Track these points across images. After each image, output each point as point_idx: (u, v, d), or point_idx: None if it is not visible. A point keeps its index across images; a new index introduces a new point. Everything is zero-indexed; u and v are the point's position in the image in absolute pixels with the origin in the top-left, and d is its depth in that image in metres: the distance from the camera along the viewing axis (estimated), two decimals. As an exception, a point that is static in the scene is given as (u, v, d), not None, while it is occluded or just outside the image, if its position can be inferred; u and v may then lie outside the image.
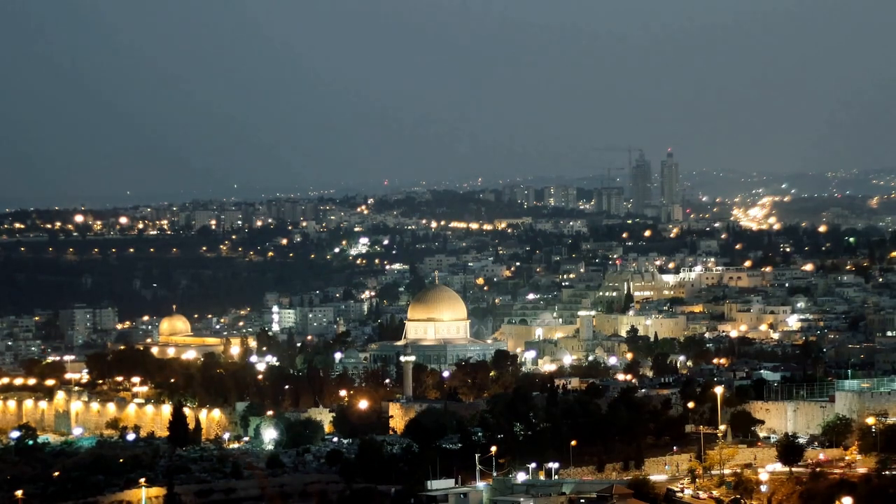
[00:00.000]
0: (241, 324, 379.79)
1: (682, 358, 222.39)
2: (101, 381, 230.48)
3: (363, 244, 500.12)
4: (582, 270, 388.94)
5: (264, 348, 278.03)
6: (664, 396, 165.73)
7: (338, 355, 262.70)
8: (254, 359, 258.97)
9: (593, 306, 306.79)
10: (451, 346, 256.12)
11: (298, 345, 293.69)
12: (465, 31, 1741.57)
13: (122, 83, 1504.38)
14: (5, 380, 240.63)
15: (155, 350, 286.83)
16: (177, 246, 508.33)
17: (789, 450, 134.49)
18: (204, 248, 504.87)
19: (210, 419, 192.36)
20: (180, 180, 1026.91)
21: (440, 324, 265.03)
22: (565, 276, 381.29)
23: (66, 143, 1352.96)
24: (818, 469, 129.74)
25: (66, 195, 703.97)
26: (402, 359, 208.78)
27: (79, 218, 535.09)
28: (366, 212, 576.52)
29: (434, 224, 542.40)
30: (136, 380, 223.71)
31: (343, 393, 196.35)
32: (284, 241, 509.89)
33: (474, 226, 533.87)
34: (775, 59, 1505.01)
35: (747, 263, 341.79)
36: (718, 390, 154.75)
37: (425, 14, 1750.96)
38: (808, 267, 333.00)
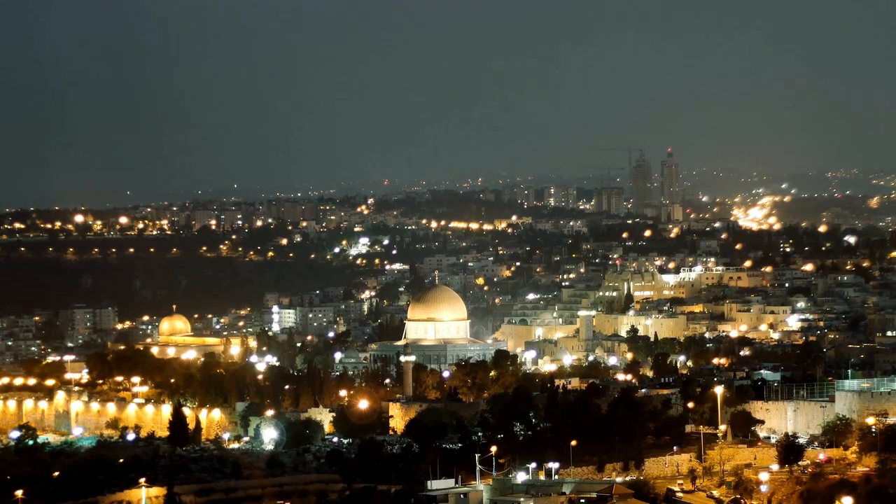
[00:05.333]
0: (241, 324, 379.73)
1: (682, 358, 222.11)
2: (101, 381, 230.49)
3: (363, 244, 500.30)
4: (582, 270, 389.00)
5: (264, 348, 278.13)
6: (664, 396, 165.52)
7: (338, 355, 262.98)
8: (254, 359, 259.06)
9: (593, 306, 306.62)
10: (451, 346, 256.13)
11: (298, 345, 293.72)
12: (463, 30, 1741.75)
13: (121, 83, 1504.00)
14: (5, 380, 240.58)
15: (155, 350, 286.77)
16: (177, 246, 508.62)
17: (789, 450, 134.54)
18: (204, 248, 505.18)
19: (210, 419, 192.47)
20: (180, 180, 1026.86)
21: (440, 324, 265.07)
22: (565, 276, 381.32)
23: (66, 143, 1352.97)
24: (818, 469, 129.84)
25: (66, 195, 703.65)
26: (402, 359, 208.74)
27: (79, 218, 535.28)
28: (366, 212, 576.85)
29: (434, 224, 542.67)
30: (136, 380, 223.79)
31: (343, 393, 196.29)
32: (284, 241, 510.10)
33: (474, 226, 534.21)
34: (776, 59, 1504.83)
35: (747, 263, 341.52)
36: (718, 390, 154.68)
37: (423, 14, 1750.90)
38: (808, 267, 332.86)
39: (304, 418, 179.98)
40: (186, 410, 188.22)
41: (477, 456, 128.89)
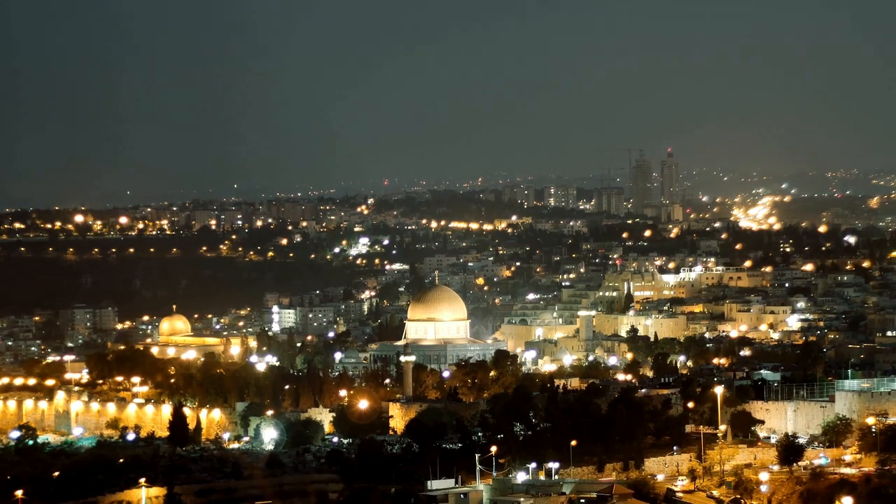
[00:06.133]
0: (241, 324, 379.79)
1: (682, 358, 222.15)
2: (101, 381, 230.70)
3: (363, 244, 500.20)
4: (582, 270, 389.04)
5: (264, 348, 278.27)
6: (664, 396, 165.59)
7: (338, 355, 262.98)
8: (254, 359, 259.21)
9: (593, 306, 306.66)
10: (451, 346, 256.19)
11: (298, 345, 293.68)
12: (464, 30, 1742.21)
13: (121, 83, 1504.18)
14: (5, 380, 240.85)
15: (155, 350, 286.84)
16: (177, 246, 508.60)
17: (789, 450, 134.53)
18: (204, 248, 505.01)
19: (210, 419, 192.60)
20: (180, 180, 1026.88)
21: (440, 324, 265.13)
22: (565, 276, 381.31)
23: (66, 142, 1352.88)
24: (818, 469, 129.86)
25: (66, 195, 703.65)
26: (402, 359, 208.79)
27: (79, 218, 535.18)
28: (366, 212, 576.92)
29: (434, 224, 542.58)
30: (136, 380, 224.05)
31: (343, 393, 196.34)
32: (284, 241, 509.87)
33: (474, 226, 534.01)
34: (775, 59, 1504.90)
35: (747, 263, 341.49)
36: (718, 390, 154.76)
37: (423, 14, 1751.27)
38: (808, 267, 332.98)
39: (304, 418, 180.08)
40: (186, 410, 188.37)
41: (477, 456, 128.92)
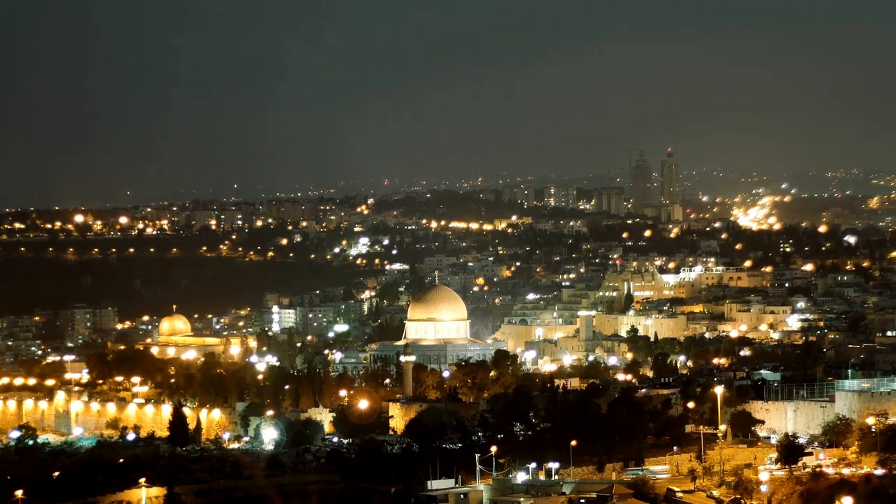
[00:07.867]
0: (241, 324, 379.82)
1: (682, 358, 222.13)
2: (101, 381, 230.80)
3: (363, 244, 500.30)
4: (582, 270, 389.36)
5: (264, 348, 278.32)
6: (664, 396, 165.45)
7: (338, 355, 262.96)
8: (254, 359, 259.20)
9: (593, 306, 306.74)
10: (451, 346, 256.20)
11: (298, 345, 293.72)
12: (463, 29, 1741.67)
13: (121, 82, 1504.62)
14: (5, 380, 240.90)
15: (155, 350, 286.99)
16: (177, 246, 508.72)
17: (789, 450, 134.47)
18: (204, 248, 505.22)
19: (210, 419, 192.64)
20: (180, 180, 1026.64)
21: (440, 324, 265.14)
22: (565, 276, 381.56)
23: (66, 142, 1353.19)
24: (818, 469, 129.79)
25: (66, 195, 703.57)
26: (402, 359, 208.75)
27: (79, 218, 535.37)
28: (366, 212, 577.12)
29: (434, 224, 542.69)
30: (136, 380, 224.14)
31: (343, 393, 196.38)
32: (284, 241, 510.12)
33: (474, 226, 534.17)
34: (775, 59, 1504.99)
35: (747, 263, 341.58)
36: (718, 390, 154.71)
37: (424, 12, 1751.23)
38: (808, 267, 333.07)
39: (304, 418, 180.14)
40: (186, 410, 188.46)
41: (477, 456, 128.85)
